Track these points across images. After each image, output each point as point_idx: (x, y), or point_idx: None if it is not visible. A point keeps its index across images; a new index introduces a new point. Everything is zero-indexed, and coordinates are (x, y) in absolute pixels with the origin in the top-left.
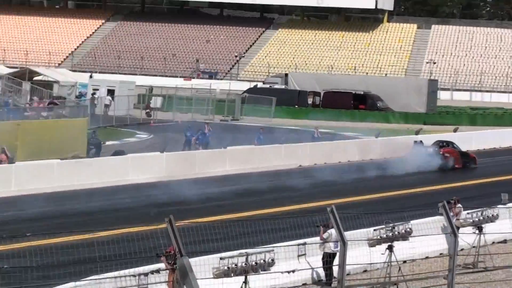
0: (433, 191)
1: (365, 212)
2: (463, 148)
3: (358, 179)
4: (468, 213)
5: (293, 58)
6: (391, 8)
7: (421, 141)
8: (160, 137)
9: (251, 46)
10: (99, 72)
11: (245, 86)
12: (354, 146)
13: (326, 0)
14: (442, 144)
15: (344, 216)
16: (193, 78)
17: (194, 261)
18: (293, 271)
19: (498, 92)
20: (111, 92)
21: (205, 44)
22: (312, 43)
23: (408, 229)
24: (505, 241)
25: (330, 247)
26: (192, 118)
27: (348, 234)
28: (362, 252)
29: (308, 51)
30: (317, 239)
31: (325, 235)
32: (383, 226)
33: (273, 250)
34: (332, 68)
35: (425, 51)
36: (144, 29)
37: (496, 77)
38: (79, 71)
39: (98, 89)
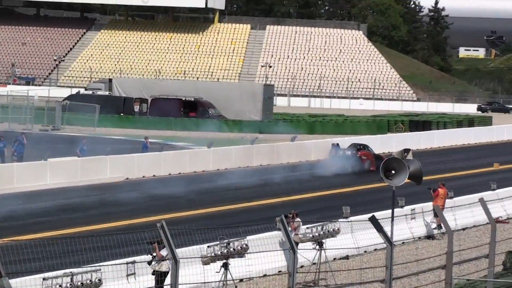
0: (271, 205)
1: (198, 228)
2: None
3: (190, 191)
4: (307, 228)
5: (118, 62)
6: (223, 7)
7: (337, 144)
8: None
9: (71, 49)
10: None
11: (66, 92)
12: (186, 156)
13: None
14: (359, 147)
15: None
16: (9, 84)
17: (15, 283)
18: None
19: (339, 98)
20: None
21: (21, 47)
22: (138, 46)
23: (244, 245)
24: (347, 257)
25: (167, 265)
26: (9, 128)
27: (180, 251)
28: (195, 270)
29: (133, 54)
30: (147, 257)
31: (163, 253)
32: (218, 242)
33: (100, 269)
34: (160, 72)
35: (260, 54)
36: None
37: (336, 81)
38: None
39: None
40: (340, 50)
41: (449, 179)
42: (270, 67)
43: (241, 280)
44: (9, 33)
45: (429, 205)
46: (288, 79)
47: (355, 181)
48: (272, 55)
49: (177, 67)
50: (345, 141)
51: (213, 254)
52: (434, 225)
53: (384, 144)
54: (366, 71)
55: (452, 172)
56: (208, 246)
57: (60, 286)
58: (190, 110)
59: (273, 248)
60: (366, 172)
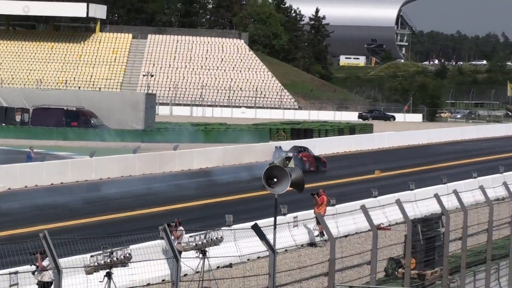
0: (154, 214)
1: (81, 237)
2: None
3: (73, 201)
4: (191, 236)
5: None
6: (104, 17)
7: (280, 147)
8: None
9: None
10: None
11: None
12: (69, 165)
13: (33, 8)
14: (300, 149)
15: (58, 242)
16: None
17: None
18: None
19: (221, 106)
20: None
21: None
22: (19, 55)
23: (127, 255)
24: (230, 265)
25: (50, 275)
26: None
27: (63, 261)
28: (79, 280)
29: (14, 64)
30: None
31: (45, 263)
32: (101, 251)
33: None
34: (41, 82)
35: (141, 63)
36: None
37: (218, 90)
38: None
39: None
40: (222, 59)
41: (331, 186)
42: (152, 76)
43: None
44: None
45: (311, 213)
46: (170, 88)
47: (239, 190)
48: (154, 64)
49: (58, 77)
50: (227, 149)
51: (96, 264)
52: (316, 233)
53: (266, 152)
54: (247, 79)
55: (334, 179)
56: (91, 256)
57: None
58: (72, 120)
59: (157, 257)
60: (307, 172)
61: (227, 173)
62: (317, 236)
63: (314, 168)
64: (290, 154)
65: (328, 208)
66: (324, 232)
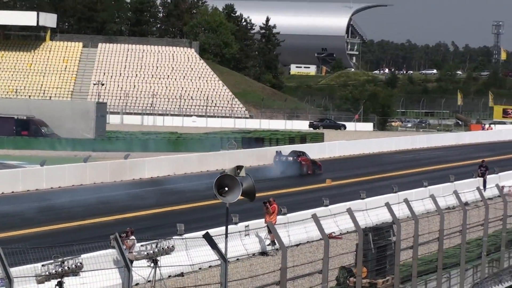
0: (105, 223)
1: (32, 247)
2: None
3: (24, 210)
4: (142, 245)
5: None
6: (54, 25)
7: (280, 151)
8: None
9: None
10: None
11: None
12: (19, 174)
13: None
14: (299, 153)
15: (9, 251)
16: None
17: None
18: None
19: (172, 115)
20: None
21: None
22: None
23: (78, 264)
24: (182, 274)
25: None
26: None
27: (14, 271)
28: None
29: None
30: None
31: None
32: (52, 261)
33: None
34: None
35: (92, 72)
36: None
37: (169, 99)
38: None
39: None
40: (173, 67)
41: (282, 195)
42: (103, 85)
43: None
44: None
45: (262, 222)
46: (120, 97)
47: (190, 199)
48: (104, 73)
49: (9, 85)
50: (174, 159)
51: (47, 273)
52: (268, 241)
53: (217, 161)
54: (198, 88)
55: (285, 188)
56: (42, 265)
57: None
58: (23, 129)
59: (108, 266)
60: (305, 175)
61: (178, 182)
62: (268, 245)
63: (311, 171)
64: (291, 158)
65: (279, 217)
66: (276, 241)
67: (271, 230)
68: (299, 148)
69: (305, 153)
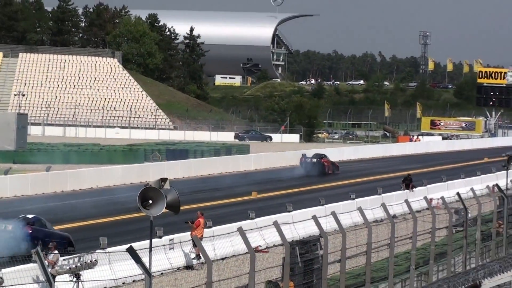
0: None
1: None
2: None
3: None
4: (64, 260)
5: None
6: None
7: (305, 154)
8: None
9: None
10: None
11: None
12: None
13: None
14: (322, 156)
15: None
16: None
17: None
18: None
19: (94, 126)
20: None
21: None
22: None
23: None
24: None
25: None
26: None
27: None
28: None
29: None
30: None
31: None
32: None
33: None
34: None
35: (12, 82)
36: None
37: (91, 110)
38: None
39: None
40: (95, 78)
41: (208, 208)
42: (24, 95)
43: None
44: None
45: (187, 235)
46: (42, 107)
47: (113, 212)
48: (25, 84)
49: None
50: (97, 171)
51: None
52: (193, 255)
53: (141, 173)
54: (121, 99)
55: (211, 201)
56: None
57: None
58: None
59: (31, 280)
60: (327, 174)
61: (101, 195)
62: (193, 258)
63: (331, 171)
64: (315, 160)
65: (205, 230)
66: (201, 255)
67: (196, 243)
68: (226, 161)
69: (326, 155)
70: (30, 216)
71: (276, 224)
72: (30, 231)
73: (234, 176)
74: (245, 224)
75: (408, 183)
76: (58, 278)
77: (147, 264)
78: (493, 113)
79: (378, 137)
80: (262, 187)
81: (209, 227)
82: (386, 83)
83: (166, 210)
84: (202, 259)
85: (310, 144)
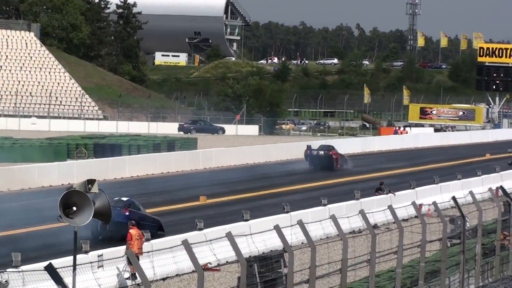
0: None
1: None
2: None
3: None
4: None
5: None
6: None
7: (310, 145)
8: None
9: None
10: None
11: None
12: None
13: None
14: (329, 147)
15: None
16: None
17: None
18: None
19: (5, 116)
20: None
21: None
22: None
23: None
24: None
25: None
26: None
27: None
28: None
29: None
30: None
31: None
32: None
33: None
34: None
35: None
36: None
37: (2, 96)
38: None
39: None
40: (7, 56)
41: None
42: None
43: None
44: None
45: (120, 250)
46: None
47: (27, 221)
48: None
49: None
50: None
51: None
52: (127, 275)
53: (63, 174)
54: (39, 82)
55: (149, 207)
56: None
57: None
58: None
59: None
60: (335, 169)
61: (13, 201)
62: (127, 278)
63: (340, 165)
64: (322, 152)
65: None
66: (137, 274)
67: (130, 260)
68: (167, 159)
69: (334, 147)
70: (124, 198)
71: (229, 236)
72: (127, 213)
73: (178, 177)
74: (191, 236)
75: (381, 192)
76: None
77: (70, 286)
78: (497, 99)
79: (355, 128)
80: (213, 191)
81: (147, 239)
82: (366, 62)
83: (94, 219)
84: (139, 279)
85: (272, 138)
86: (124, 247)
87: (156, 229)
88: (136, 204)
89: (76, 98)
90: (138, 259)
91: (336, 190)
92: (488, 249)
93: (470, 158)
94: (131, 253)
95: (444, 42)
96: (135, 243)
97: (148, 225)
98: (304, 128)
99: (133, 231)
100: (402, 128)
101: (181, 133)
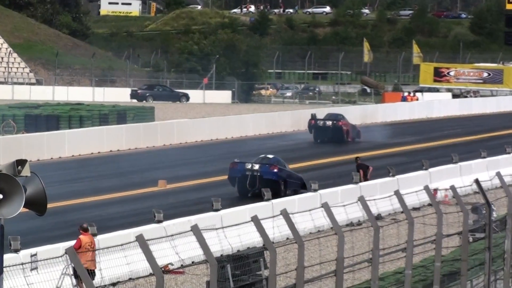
0: None
1: None
2: None
3: None
4: None
5: None
6: None
7: (315, 114)
8: None
9: None
10: None
11: None
12: None
13: None
14: (338, 117)
15: None
16: None
17: None
18: None
19: None
20: None
21: None
22: None
23: None
24: None
25: None
26: None
27: None
28: None
29: None
30: None
31: None
32: None
33: None
34: None
35: None
36: None
37: None
38: None
39: None
40: None
41: (91, 205)
42: None
43: None
44: None
45: (58, 247)
46: None
47: None
48: None
49: None
50: None
51: None
52: (68, 279)
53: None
54: None
55: (95, 195)
56: None
57: None
58: None
59: None
60: (346, 142)
61: None
62: (74, 285)
63: (351, 138)
64: (329, 123)
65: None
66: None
67: (71, 260)
68: (116, 134)
69: (343, 116)
70: (270, 156)
71: (195, 230)
72: (276, 170)
73: (131, 156)
74: (148, 230)
75: (365, 169)
76: None
77: None
78: None
79: (353, 94)
80: (174, 173)
81: (94, 234)
82: (365, 11)
83: (26, 209)
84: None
85: (248, 106)
86: (64, 244)
87: (300, 187)
88: (281, 162)
89: (2, 58)
90: (91, 274)
91: (327, 172)
92: None
93: (497, 131)
94: (72, 251)
95: None
96: (85, 254)
97: (293, 183)
98: (288, 94)
99: (85, 238)
100: (411, 94)
101: (134, 100)
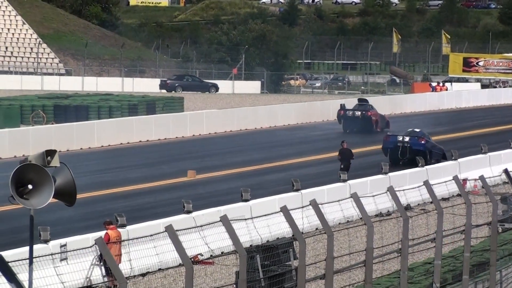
0: None
1: None
2: None
3: None
4: None
5: None
6: None
7: (344, 105)
8: None
9: None
10: None
11: None
12: None
13: None
14: (367, 106)
15: None
16: None
17: None
18: None
19: None
20: None
21: None
22: None
23: None
24: None
25: None
26: None
27: None
28: None
29: None
30: None
31: None
32: None
33: None
34: None
35: None
36: None
37: None
38: None
39: None
40: None
41: (122, 195)
42: None
43: None
44: None
45: (88, 238)
46: None
47: None
48: None
49: None
50: None
51: None
52: (98, 270)
53: (16, 143)
54: None
55: (125, 185)
56: None
57: None
58: None
59: None
60: (375, 132)
61: None
62: (104, 276)
63: (380, 128)
64: (358, 113)
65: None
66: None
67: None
68: (147, 123)
69: (372, 106)
70: (417, 130)
71: (225, 221)
72: (424, 142)
73: (160, 146)
74: (177, 220)
75: (348, 158)
76: None
77: (25, 283)
78: None
79: (382, 84)
80: (204, 164)
81: (123, 225)
82: (395, 0)
83: (56, 200)
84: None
85: (277, 96)
86: (93, 234)
87: (441, 157)
88: (426, 135)
89: (31, 49)
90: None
91: (357, 162)
92: None
93: None
94: (101, 241)
95: None
96: (112, 247)
97: (436, 153)
98: (317, 84)
99: (112, 232)
100: (440, 84)
101: (164, 91)
